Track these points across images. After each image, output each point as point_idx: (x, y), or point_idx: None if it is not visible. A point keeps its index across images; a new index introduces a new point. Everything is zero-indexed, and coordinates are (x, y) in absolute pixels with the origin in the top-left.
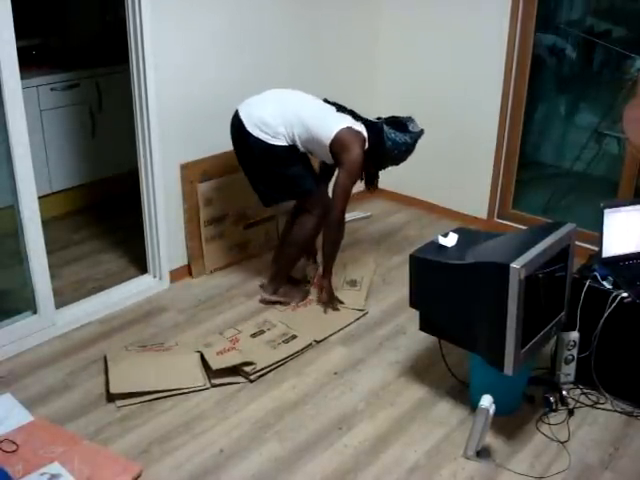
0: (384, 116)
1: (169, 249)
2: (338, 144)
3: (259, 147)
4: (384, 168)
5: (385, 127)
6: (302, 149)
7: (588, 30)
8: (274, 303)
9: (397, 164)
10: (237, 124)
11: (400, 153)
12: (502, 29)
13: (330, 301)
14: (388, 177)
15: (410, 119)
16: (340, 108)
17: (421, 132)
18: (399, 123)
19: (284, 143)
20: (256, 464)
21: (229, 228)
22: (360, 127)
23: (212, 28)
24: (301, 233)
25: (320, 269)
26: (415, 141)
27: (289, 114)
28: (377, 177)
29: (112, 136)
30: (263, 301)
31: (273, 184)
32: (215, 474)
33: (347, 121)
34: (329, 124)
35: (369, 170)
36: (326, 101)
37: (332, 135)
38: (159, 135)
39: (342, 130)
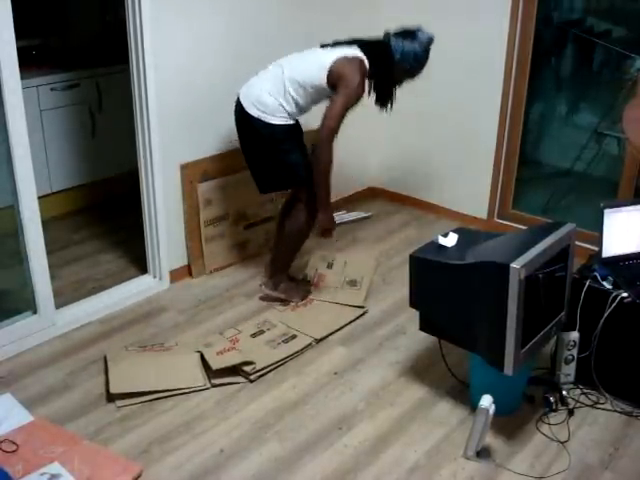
0: (392, 30)
1: (169, 249)
2: (334, 77)
3: (259, 127)
4: (399, 84)
5: (392, 39)
6: (307, 107)
7: (588, 30)
8: (275, 300)
9: (412, 77)
10: (238, 107)
11: (412, 67)
12: (502, 29)
13: (331, 228)
14: (388, 177)
15: (419, 28)
16: (337, 44)
17: (430, 39)
18: (407, 32)
19: (283, 121)
20: (256, 464)
21: (229, 228)
22: (355, 51)
23: (212, 29)
24: (295, 223)
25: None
26: (426, 50)
27: (282, 83)
28: (392, 96)
29: (112, 136)
30: (264, 297)
31: (272, 170)
32: (215, 474)
33: (336, 53)
34: (318, 66)
35: (382, 88)
36: (323, 45)
37: (325, 75)
38: (159, 135)
39: (333, 63)
